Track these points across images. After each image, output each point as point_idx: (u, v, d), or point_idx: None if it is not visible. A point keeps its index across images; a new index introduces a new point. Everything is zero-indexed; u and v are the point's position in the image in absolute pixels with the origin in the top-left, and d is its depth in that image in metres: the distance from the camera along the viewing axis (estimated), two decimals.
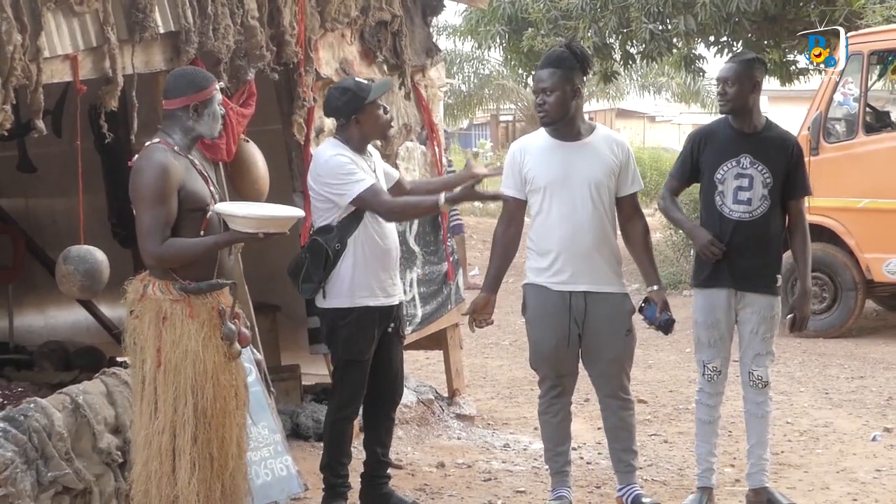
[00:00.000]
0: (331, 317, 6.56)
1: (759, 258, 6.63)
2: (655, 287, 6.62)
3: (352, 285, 6.49)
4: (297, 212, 5.63)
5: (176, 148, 5.36)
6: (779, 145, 6.69)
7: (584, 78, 6.56)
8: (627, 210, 6.66)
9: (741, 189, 6.61)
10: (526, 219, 6.71)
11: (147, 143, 5.36)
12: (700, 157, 6.73)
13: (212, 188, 5.54)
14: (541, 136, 6.60)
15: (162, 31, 6.53)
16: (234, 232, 5.34)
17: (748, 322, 6.69)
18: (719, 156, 6.66)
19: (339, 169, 6.43)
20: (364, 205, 6.43)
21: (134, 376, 5.45)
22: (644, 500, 6.68)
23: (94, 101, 6.39)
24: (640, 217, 6.70)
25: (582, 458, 8.01)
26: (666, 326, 6.60)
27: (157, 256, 5.28)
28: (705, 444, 6.81)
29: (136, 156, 5.37)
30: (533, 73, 20.86)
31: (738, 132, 6.67)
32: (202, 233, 5.39)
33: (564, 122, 6.46)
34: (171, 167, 5.27)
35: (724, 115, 6.77)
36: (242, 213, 5.38)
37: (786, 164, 6.65)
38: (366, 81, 6.71)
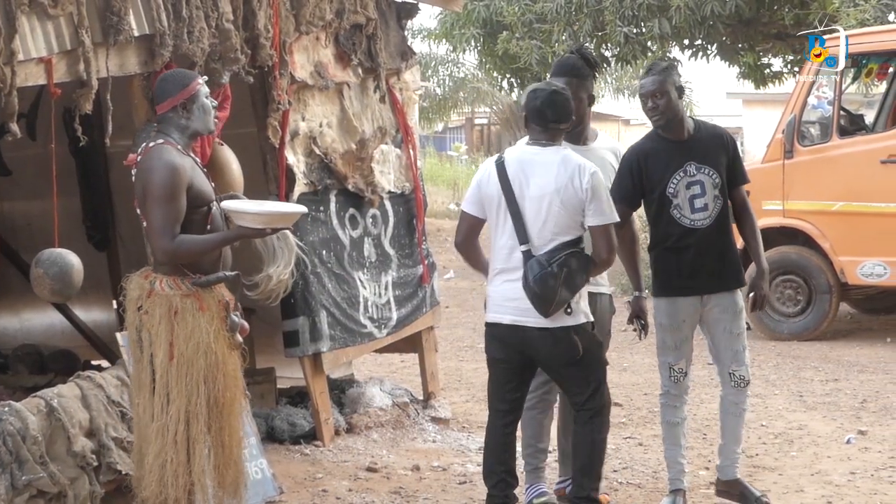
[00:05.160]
0: (592, 331, 6.25)
1: (723, 256, 6.69)
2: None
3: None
4: (301, 208, 5.77)
5: (179, 147, 5.48)
6: (715, 142, 6.73)
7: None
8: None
9: (695, 197, 6.60)
10: None
11: (151, 144, 5.45)
12: (643, 176, 6.65)
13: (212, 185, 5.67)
14: None
15: (136, 34, 6.52)
16: (242, 228, 5.48)
17: (719, 322, 6.71)
18: (665, 170, 6.63)
19: (606, 190, 6.16)
20: (605, 232, 6.09)
21: (138, 371, 5.52)
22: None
23: (68, 104, 6.38)
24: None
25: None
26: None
27: (170, 252, 5.38)
28: (674, 446, 6.83)
29: (141, 156, 5.46)
30: (507, 76, 20.94)
31: (675, 142, 6.66)
32: (209, 227, 5.52)
33: (576, 128, 6.52)
34: (180, 166, 5.39)
35: (652, 131, 6.77)
36: (253, 210, 5.51)
37: (726, 158, 6.71)
38: None
